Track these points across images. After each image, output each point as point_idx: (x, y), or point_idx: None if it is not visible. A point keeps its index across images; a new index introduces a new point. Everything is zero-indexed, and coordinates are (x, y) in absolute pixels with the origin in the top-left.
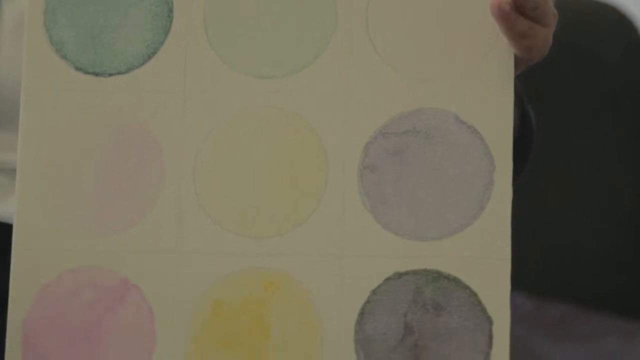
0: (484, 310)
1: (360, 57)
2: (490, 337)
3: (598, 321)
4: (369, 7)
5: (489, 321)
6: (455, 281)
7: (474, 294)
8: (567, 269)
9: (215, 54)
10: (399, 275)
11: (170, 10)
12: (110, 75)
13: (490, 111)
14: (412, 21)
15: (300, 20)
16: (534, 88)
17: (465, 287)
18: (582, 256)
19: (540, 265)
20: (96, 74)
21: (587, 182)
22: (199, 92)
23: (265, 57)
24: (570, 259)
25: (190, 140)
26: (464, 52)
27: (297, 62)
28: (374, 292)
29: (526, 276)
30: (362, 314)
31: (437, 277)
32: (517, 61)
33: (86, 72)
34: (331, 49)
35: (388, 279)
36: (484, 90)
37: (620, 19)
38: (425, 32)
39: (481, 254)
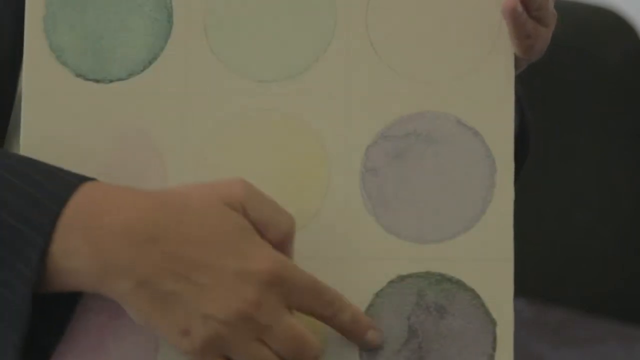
0: (487, 312)
1: (360, 59)
2: (494, 338)
3: (599, 326)
4: (369, 9)
5: (493, 323)
6: (459, 283)
7: (477, 296)
8: (568, 274)
9: (216, 59)
10: (401, 278)
11: (170, 16)
12: (111, 81)
13: (491, 113)
14: (412, 23)
15: (300, 24)
16: (536, 91)
17: (469, 289)
18: (582, 261)
19: (540, 271)
20: (96, 81)
21: (588, 185)
22: (199, 97)
23: (265, 61)
24: (571, 264)
25: (192, 146)
26: (465, 55)
27: (297, 66)
28: (377, 295)
29: (527, 282)
30: None
31: (440, 279)
32: (517, 61)
33: (86, 79)
34: (331, 52)
35: (391, 281)
36: (484, 92)
37: (620, 22)
38: (426, 35)
39: (484, 255)
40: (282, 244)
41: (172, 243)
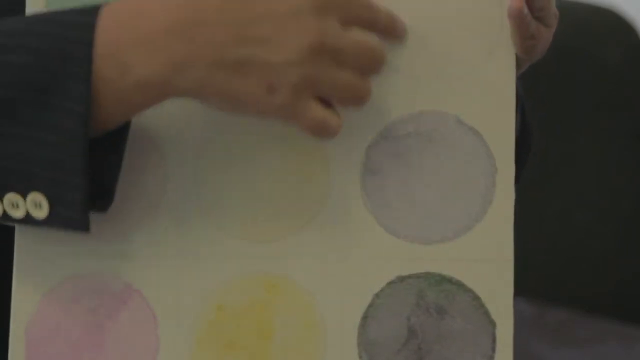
0: (487, 313)
1: None
2: (494, 340)
3: (599, 326)
4: None
5: (493, 324)
6: (458, 284)
7: (477, 297)
8: (568, 274)
9: None
10: (401, 279)
11: None
12: None
13: (492, 113)
14: (413, 23)
15: None
16: (536, 91)
17: (468, 290)
18: (582, 261)
19: (541, 271)
20: None
21: (588, 185)
22: None
23: None
24: (571, 264)
25: (191, 144)
26: (465, 54)
27: None
28: (377, 295)
29: (527, 281)
30: (365, 317)
31: (440, 280)
32: (518, 61)
33: None
34: None
35: (391, 282)
36: (485, 92)
37: (620, 22)
38: (427, 34)
39: (484, 256)
40: None
41: (217, 17)
